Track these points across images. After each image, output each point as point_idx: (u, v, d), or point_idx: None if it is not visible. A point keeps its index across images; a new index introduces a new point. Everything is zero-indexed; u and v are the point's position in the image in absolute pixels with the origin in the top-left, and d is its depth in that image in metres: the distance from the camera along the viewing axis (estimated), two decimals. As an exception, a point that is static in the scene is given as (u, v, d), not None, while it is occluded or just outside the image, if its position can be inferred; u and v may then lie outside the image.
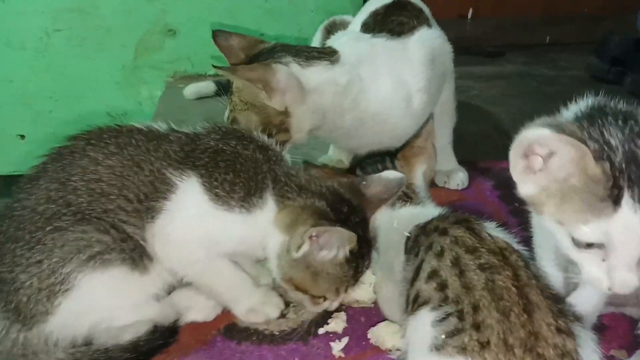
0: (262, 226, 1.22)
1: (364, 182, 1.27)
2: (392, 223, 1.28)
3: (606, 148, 0.94)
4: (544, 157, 0.98)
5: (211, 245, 1.23)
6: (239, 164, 1.23)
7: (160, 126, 1.29)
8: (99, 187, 1.20)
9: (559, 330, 0.99)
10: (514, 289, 1.02)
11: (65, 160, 1.22)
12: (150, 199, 1.21)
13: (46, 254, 1.16)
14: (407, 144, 1.44)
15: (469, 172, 1.83)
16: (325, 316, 1.31)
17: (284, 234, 1.21)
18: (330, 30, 1.87)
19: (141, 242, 1.21)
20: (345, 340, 1.26)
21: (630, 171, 0.92)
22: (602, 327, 1.24)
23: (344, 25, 1.81)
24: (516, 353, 0.96)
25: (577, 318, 1.05)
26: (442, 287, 1.05)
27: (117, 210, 1.20)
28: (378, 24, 1.60)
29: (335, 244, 1.17)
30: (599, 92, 1.08)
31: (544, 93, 2.52)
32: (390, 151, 1.45)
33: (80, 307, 1.18)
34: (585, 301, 1.13)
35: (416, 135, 1.46)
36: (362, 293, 1.33)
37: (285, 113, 1.43)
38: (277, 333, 1.29)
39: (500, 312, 0.99)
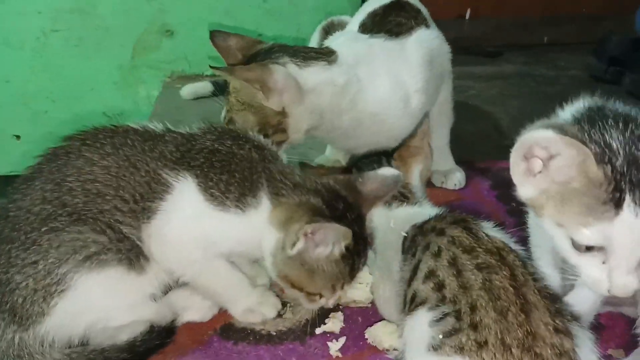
0: (257, 225, 1.22)
1: (360, 179, 1.26)
2: (389, 223, 1.28)
3: (607, 151, 0.94)
4: (544, 160, 0.97)
5: (208, 245, 1.23)
6: (234, 164, 1.23)
7: (156, 126, 1.29)
8: (94, 188, 1.19)
9: (556, 329, 0.99)
10: (511, 288, 1.02)
11: (61, 161, 1.22)
12: (146, 200, 1.20)
13: (42, 255, 1.15)
14: (404, 144, 1.43)
15: (467, 172, 1.83)
16: (323, 316, 1.31)
17: (279, 231, 1.20)
18: (328, 30, 1.87)
19: (137, 242, 1.21)
20: (342, 340, 1.26)
21: (631, 174, 0.92)
22: (600, 327, 1.24)
23: (342, 26, 1.81)
24: (514, 353, 0.96)
25: (575, 318, 1.05)
26: (440, 287, 1.05)
27: (113, 210, 1.19)
28: (376, 25, 1.60)
29: (330, 240, 1.16)
30: (598, 92, 1.08)
31: (543, 93, 2.52)
32: (386, 151, 1.44)
33: (77, 307, 1.18)
34: (583, 301, 1.13)
35: (412, 135, 1.45)
36: (359, 293, 1.33)
37: (283, 113, 1.43)
38: (274, 333, 1.29)
39: (498, 312, 0.99)
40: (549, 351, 0.97)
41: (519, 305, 1.00)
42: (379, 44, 1.56)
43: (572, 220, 0.96)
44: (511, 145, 1.03)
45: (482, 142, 2.10)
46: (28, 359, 1.17)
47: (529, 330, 0.97)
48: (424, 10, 1.69)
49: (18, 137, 2.62)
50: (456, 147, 1.84)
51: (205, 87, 2.40)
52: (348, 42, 1.57)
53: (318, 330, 1.29)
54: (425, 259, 1.10)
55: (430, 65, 1.58)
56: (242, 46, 1.52)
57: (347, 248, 1.18)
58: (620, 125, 0.97)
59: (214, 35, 1.52)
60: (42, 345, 1.17)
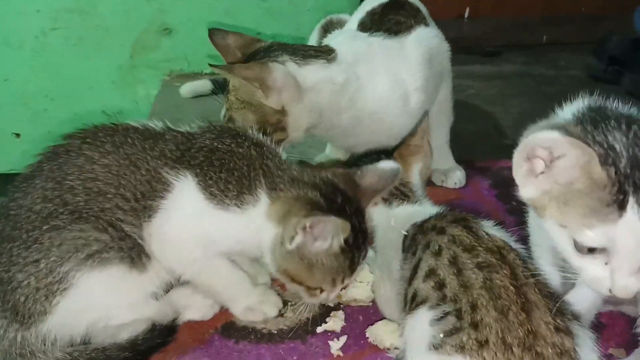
0: (256, 222, 1.21)
1: (359, 173, 1.26)
2: (390, 221, 1.28)
3: (611, 153, 0.94)
4: (546, 160, 0.98)
5: (208, 244, 1.23)
6: (232, 162, 1.23)
7: (156, 125, 1.29)
8: (95, 186, 1.19)
9: (557, 328, 0.99)
10: (512, 287, 1.02)
11: (61, 159, 1.22)
12: (147, 198, 1.21)
13: (43, 253, 1.16)
14: (403, 143, 1.43)
15: (467, 171, 1.83)
16: (324, 315, 1.31)
17: (277, 226, 1.19)
18: (327, 29, 1.87)
19: (139, 240, 1.21)
20: (343, 339, 1.26)
21: (635, 176, 0.92)
22: (600, 326, 1.25)
23: (340, 24, 1.81)
24: (515, 352, 0.96)
25: (575, 317, 1.05)
26: (440, 285, 1.05)
27: (115, 209, 1.19)
28: (375, 23, 1.60)
29: (329, 233, 1.15)
30: (597, 92, 1.08)
31: (543, 93, 2.51)
32: (386, 149, 1.44)
33: (79, 306, 1.18)
34: (583, 299, 1.13)
35: (412, 134, 1.45)
36: (360, 292, 1.34)
37: (282, 112, 1.43)
38: (275, 332, 1.29)
39: (499, 311, 0.99)
40: (550, 350, 0.97)
41: (520, 304, 1.00)
42: (378, 42, 1.56)
43: (575, 221, 0.96)
44: (511, 144, 1.03)
45: (481, 142, 2.10)
46: (30, 357, 1.17)
47: (530, 329, 0.98)
48: (423, 8, 1.69)
49: (18, 135, 2.61)
50: (456, 146, 1.83)
51: (204, 85, 2.39)
52: (347, 40, 1.57)
53: (319, 329, 1.29)
54: (426, 258, 1.10)
55: (430, 64, 1.58)
56: (241, 45, 1.52)
57: (346, 241, 1.17)
58: (623, 126, 0.97)
59: (212, 33, 1.52)
60: (44, 344, 1.17)
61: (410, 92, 1.55)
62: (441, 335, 1.00)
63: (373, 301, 1.33)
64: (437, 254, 1.09)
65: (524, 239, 1.21)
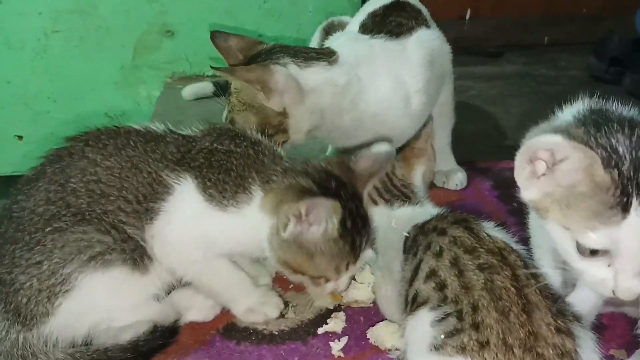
0: (253, 219, 1.21)
1: (353, 159, 1.26)
2: (391, 223, 1.28)
3: (614, 155, 0.94)
4: (548, 162, 0.98)
5: (209, 245, 1.23)
6: (229, 163, 1.23)
7: (158, 127, 1.29)
8: (98, 188, 1.20)
9: (558, 330, 0.99)
10: (513, 288, 1.02)
11: (64, 162, 1.22)
12: (148, 200, 1.21)
13: (46, 255, 1.16)
14: (407, 145, 1.43)
15: (468, 172, 1.83)
16: (325, 316, 1.32)
17: (271, 217, 1.19)
18: (329, 31, 1.87)
19: (141, 242, 1.21)
20: (344, 340, 1.26)
21: (638, 179, 0.92)
22: (601, 327, 1.25)
23: (342, 26, 1.81)
24: (515, 353, 0.96)
25: (577, 318, 1.05)
26: (441, 287, 1.05)
27: (117, 211, 1.20)
28: (376, 25, 1.60)
29: (322, 217, 1.14)
30: (598, 92, 1.08)
31: (544, 93, 2.52)
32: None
33: (81, 307, 1.18)
34: (584, 301, 1.13)
35: (416, 137, 1.45)
36: (361, 293, 1.34)
37: (284, 114, 1.43)
38: (276, 333, 1.29)
39: (500, 312, 0.99)
40: (551, 351, 0.97)
41: (521, 305, 1.00)
42: (380, 44, 1.56)
43: (578, 223, 0.96)
44: (512, 145, 1.03)
45: (482, 142, 2.10)
46: (32, 358, 1.17)
47: (531, 331, 0.98)
48: (424, 10, 1.68)
49: (20, 137, 2.61)
50: (457, 147, 1.84)
51: (206, 87, 2.39)
52: (349, 42, 1.57)
53: (320, 330, 1.29)
54: (427, 259, 1.10)
55: (431, 66, 1.58)
56: (242, 47, 1.52)
57: (344, 225, 1.16)
58: (626, 129, 0.97)
59: (214, 35, 1.52)
60: (46, 345, 1.18)
61: (411, 94, 1.55)
62: (442, 336, 1.00)
63: (374, 302, 1.34)
64: (438, 255, 1.09)
65: (525, 240, 1.22)
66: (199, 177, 1.21)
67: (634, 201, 0.91)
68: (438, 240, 1.11)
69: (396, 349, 1.21)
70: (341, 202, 1.15)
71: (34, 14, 2.46)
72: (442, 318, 1.01)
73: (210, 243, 1.23)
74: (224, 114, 1.50)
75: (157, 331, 1.24)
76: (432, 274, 1.08)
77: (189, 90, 2.41)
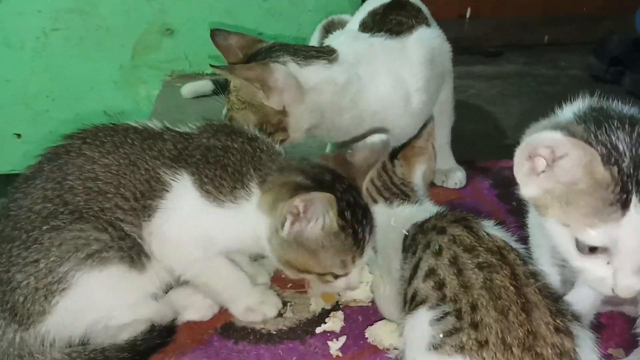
0: (251, 217, 1.20)
1: (349, 152, 1.26)
2: (390, 221, 1.28)
3: (614, 152, 0.94)
4: (548, 159, 0.97)
5: (208, 243, 1.23)
6: (226, 159, 1.23)
7: (155, 125, 1.29)
8: (95, 186, 1.20)
9: (557, 329, 0.99)
10: (512, 287, 1.02)
11: (61, 160, 1.22)
12: (146, 198, 1.21)
13: (43, 253, 1.15)
14: (408, 144, 1.43)
15: (467, 171, 1.82)
16: (323, 315, 1.32)
17: (269, 216, 1.18)
18: (329, 29, 1.87)
19: (139, 240, 1.21)
20: (342, 339, 1.26)
21: (638, 176, 0.92)
22: (600, 326, 1.24)
23: (342, 25, 1.81)
24: (514, 352, 0.96)
25: (575, 317, 1.05)
26: (440, 285, 1.05)
27: (114, 208, 1.19)
28: (377, 24, 1.60)
29: (318, 211, 1.12)
30: (598, 92, 1.08)
31: (544, 93, 2.51)
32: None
33: (78, 306, 1.17)
34: (583, 300, 1.13)
35: (417, 136, 1.45)
36: (359, 292, 1.33)
37: (283, 112, 1.43)
38: (274, 332, 1.29)
39: (499, 311, 0.99)
40: (550, 351, 0.97)
41: (520, 304, 1.00)
42: (380, 42, 1.55)
43: (578, 220, 0.96)
44: (512, 144, 1.03)
45: (482, 142, 2.10)
46: (29, 358, 1.17)
47: (530, 330, 0.98)
48: (424, 9, 1.69)
49: (19, 136, 2.61)
50: (457, 146, 1.83)
51: (205, 85, 2.39)
52: (349, 41, 1.57)
53: (318, 330, 1.29)
54: (426, 258, 1.10)
55: (431, 64, 1.58)
56: (242, 45, 1.52)
57: (343, 218, 1.15)
58: (627, 126, 0.96)
59: (214, 34, 1.52)
60: (43, 345, 1.17)
61: (411, 92, 1.55)
62: (441, 336, 1.00)
63: (372, 301, 1.33)
64: (438, 253, 1.09)
65: (525, 239, 1.22)
66: (195, 174, 1.21)
67: (634, 198, 0.91)
68: (437, 239, 1.11)
69: (395, 348, 1.21)
70: (336, 194, 1.13)
71: (33, 12, 2.46)
72: (441, 317, 1.01)
73: (209, 241, 1.23)
74: (224, 112, 1.50)
75: (155, 330, 1.23)
76: (431, 272, 1.08)
77: (189, 89, 2.41)
